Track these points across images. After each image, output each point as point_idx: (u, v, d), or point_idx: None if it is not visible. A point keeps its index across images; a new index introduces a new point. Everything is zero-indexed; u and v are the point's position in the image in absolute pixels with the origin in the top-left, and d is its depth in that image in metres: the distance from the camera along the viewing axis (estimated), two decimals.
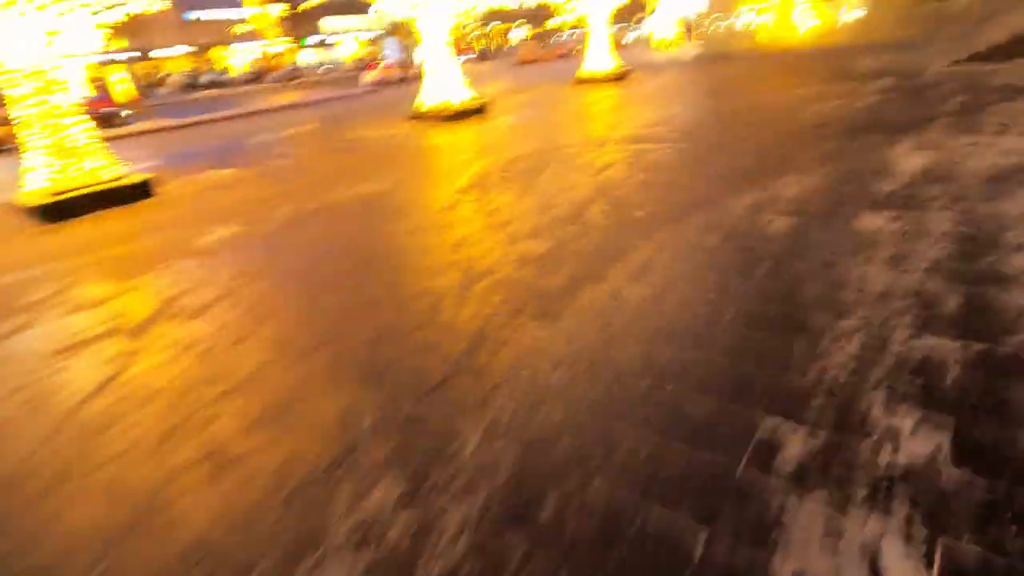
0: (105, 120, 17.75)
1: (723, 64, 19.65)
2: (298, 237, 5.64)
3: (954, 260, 3.38)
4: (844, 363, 2.55)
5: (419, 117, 13.09)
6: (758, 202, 4.87)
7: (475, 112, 13.14)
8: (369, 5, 13.41)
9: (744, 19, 23.64)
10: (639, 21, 57.02)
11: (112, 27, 7.88)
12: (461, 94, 13.12)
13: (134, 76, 43.04)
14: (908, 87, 10.20)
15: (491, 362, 2.93)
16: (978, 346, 2.55)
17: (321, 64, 50.97)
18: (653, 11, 42.18)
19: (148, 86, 46.48)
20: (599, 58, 17.85)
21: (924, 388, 2.33)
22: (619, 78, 17.45)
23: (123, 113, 20.24)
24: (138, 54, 48.55)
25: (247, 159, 10.77)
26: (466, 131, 11.24)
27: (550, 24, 20.84)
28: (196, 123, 20.31)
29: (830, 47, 21.17)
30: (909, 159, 5.60)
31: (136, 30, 52.98)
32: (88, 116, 7.95)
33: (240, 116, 21.52)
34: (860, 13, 21.25)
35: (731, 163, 6.30)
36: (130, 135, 17.51)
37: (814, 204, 4.70)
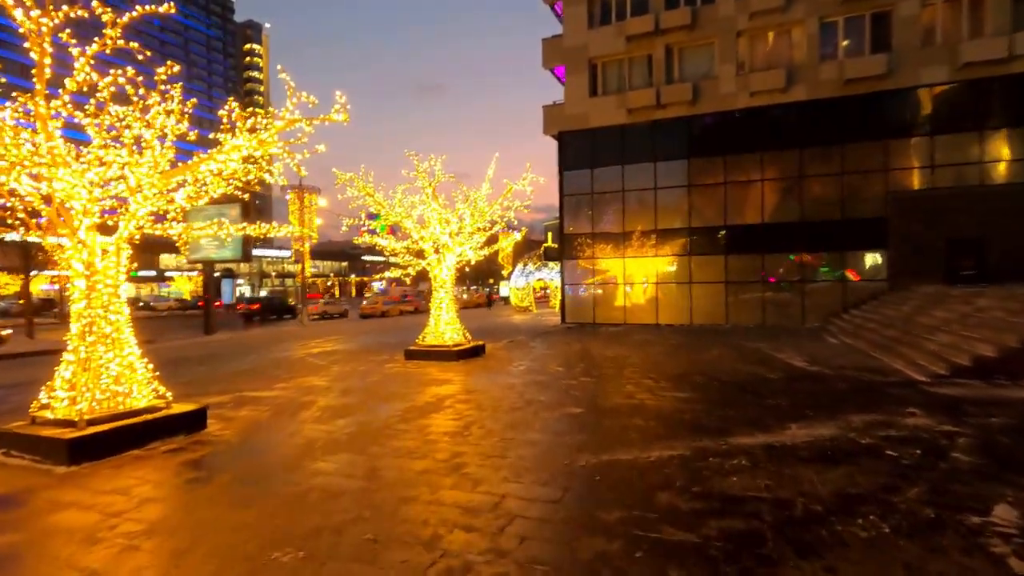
0: None
1: (593, 340, 16.40)
2: None
3: None
4: None
5: (78, 447, 6.20)
6: None
7: (194, 422, 7.00)
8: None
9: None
10: (495, 282, 58.93)
11: None
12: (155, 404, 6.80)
13: None
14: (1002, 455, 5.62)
15: None
16: None
17: (137, 299, 43.40)
18: (510, 273, 42.54)
19: None
20: (440, 327, 13.40)
21: None
22: (465, 355, 12.87)
23: None
24: None
25: None
26: (156, 488, 4.96)
27: (386, 276, 16.73)
28: None
29: (698, 327, 19.35)
30: None
31: None
32: None
33: None
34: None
35: None
36: None
37: None
